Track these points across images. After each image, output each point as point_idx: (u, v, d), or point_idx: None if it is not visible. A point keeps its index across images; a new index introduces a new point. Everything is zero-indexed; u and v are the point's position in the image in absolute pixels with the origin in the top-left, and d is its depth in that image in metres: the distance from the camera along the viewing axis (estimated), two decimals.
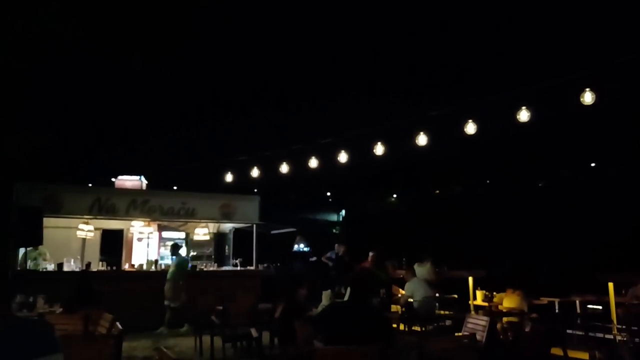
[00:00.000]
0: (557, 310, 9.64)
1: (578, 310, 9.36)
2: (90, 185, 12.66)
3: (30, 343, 2.21)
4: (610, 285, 8.12)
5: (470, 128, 8.15)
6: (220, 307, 7.51)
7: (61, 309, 7.06)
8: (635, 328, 6.72)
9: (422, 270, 10.05)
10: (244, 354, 7.73)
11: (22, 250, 10.22)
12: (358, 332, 3.58)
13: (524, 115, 7.58)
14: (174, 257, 10.81)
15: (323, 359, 3.47)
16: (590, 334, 8.05)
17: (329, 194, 22.18)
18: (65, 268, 10.54)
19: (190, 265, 11.33)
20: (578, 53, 6.95)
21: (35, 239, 9.79)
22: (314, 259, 16.17)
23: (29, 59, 7.24)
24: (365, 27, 6.88)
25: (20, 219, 9.62)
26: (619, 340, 7.21)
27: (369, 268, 9.17)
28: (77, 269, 10.51)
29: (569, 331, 8.35)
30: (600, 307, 9.07)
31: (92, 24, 6.64)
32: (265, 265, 12.64)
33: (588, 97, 6.90)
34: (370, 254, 10.58)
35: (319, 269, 12.21)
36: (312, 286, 8.09)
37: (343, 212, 25.19)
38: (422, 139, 8.76)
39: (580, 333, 8.30)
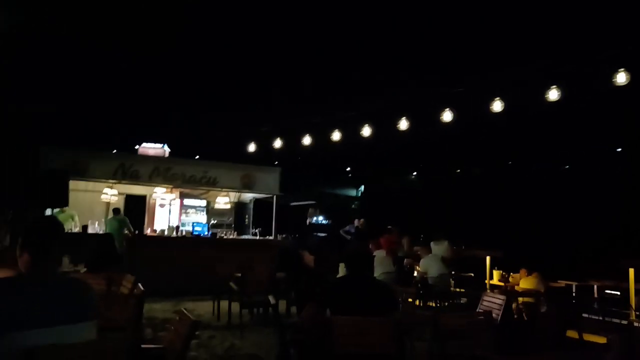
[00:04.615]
0: (574, 294, 9.58)
1: (595, 295, 9.30)
2: (114, 151, 12.85)
3: (73, 306, 2.26)
4: (631, 271, 8.02)
5: (497, 106, 8.01)
6: (239, 275, 7.64)
7: (85, 269, 7.26)
8: None
9: (438, 248, 10.06)
10: (260, 320, 7.89)
11: (48, 212, 10.48)
12: (364, 305, 3.63)
13: (553, 94, 7.41)
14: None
15: (340, 328, 3.51)
16: (607, 319, 8.01)
17: (348, 169, 22.17)
18: (90, 230, 10.82)
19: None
20: (611, 31, 6.71)
21: (61, 200, 10.02)
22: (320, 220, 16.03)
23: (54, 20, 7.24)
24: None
25: (47, 181, 9.83)
26: (636, 326, 7.15)
27: (363, 245, 9.14)
28: (101, 232, 10.78)
29: (585, 315, 8.31)
30: (618, 293, 9.00)
31: None
32: (284, 235, 12.77)
33: (621, 78, 6.70)
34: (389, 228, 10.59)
35: (336, 242, 12.29)
36: (329, 258, 8.18)
37: (362, 187, 25.21)
38: (447, 116, 8.64)
39: (597, 318, 8.26)
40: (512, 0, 6.39)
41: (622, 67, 6.61)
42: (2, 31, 6.95)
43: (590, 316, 8.37)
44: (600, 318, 8.10)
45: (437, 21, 7.08)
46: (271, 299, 7.15)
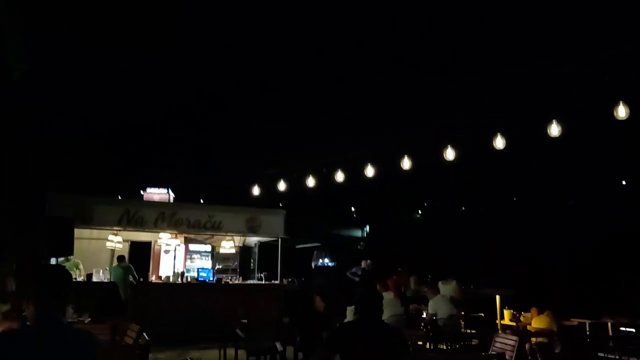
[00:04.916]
0: (588, 332, 9.35)
1: (610, 333, 9.07)
2: (119, 197, 12.90)
3: (78, 358, 2.24)
4: None
5: (499, 142, 8.06)
6: (245, 321, 7.52)
7: (89, 319, 7.17)
8: None
9: (446, 288, 9.90)
10: None
11: (52, 261, 10.44)
12: (375, 349, 3.56)
13: (554, 130, 7.46)
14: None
15: None
16: (624, 357, 7.78)
17: (353, 209, 22.10)
18: (94, 279, 10.74)
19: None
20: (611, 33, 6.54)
21: (65, 249, 10.00)
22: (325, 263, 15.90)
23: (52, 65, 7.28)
24: (388, 29, 6.74)
25: (51, 229, 9.84)
26: None
27: (373, 288, 8.99)
28: (106, 280, 10.69)
29: (600, 354, 8.09)
30: (633, 330, 8.79)
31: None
32: (290, 279, 12.63)
33: (622, 112, 6.75)
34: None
35: (343, 285, 12.13)
36: (335, 301, 8.07)
37: (367, 227, 25.05)
38: (449, 154, 8.70)
39: (613, 357, 8.03)
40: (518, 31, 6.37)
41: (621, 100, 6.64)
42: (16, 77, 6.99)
43: (606, 355, 8.15)
44: (617, 358, 7.88)
45: (436, 51, 7.08)
46: (278, 346, 7.00)
